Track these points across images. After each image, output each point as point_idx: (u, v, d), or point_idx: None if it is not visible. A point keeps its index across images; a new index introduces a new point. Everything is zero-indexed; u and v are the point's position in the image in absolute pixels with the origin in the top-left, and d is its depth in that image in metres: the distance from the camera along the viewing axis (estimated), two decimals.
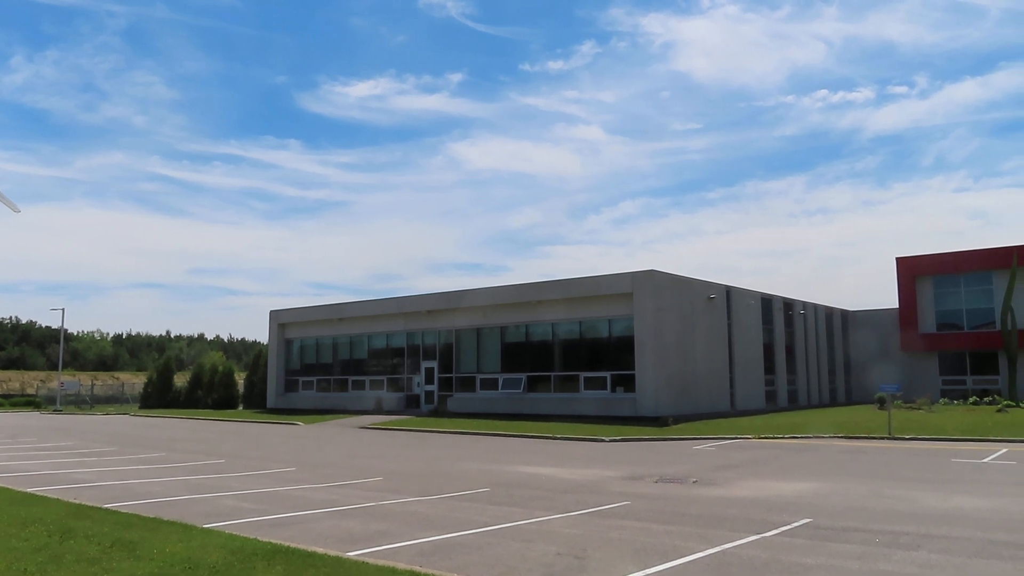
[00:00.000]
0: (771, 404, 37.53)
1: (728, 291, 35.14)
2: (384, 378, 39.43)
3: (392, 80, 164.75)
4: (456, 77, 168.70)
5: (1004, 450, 19.45)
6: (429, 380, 37.37)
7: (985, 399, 36.81)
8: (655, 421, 28.10)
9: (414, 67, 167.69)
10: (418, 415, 35.08)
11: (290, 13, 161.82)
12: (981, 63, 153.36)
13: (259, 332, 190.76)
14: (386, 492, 13.15)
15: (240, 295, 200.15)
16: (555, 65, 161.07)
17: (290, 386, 44.29)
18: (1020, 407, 33.51)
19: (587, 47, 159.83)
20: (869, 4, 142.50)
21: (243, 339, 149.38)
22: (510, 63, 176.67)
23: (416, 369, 38.04)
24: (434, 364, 37.30)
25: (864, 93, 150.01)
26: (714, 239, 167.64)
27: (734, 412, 33.39)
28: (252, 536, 8.83)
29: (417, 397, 37.65)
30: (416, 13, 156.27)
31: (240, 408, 48.60)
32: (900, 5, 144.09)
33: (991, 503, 11.59)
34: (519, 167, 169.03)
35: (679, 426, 27.09)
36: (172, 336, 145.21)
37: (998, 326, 39.81)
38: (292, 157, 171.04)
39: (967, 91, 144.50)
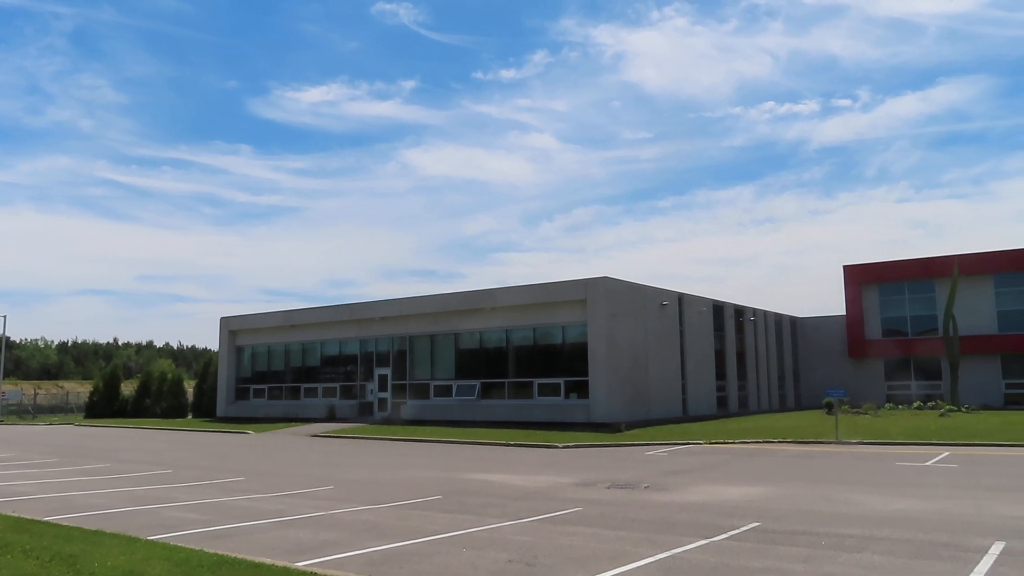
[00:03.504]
0: (722, 409, 38.02)
1: (680, 298, 35.54)
2: (337, 385, 39.01)
3: (344, 86, 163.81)
4: (409, 84, 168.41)
5: (946, 453, 19.98)
6: (383, 387, 37.07)
7: (928, 404, 37.80)
8: (608, 427, 28.26)
9: (367, 73, 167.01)
10: (371, 423, 34.75)
11: (240, 18, 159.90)
12: (920, 78, 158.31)
13: (209, 339, 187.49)
14: (336, 501, 13.00)
15: (189, 302, 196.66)
16: (507, 74, 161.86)
17: (241, 394, 43.54)
18: (962, 411, 34.46)
19: (539, 56, 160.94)
20: (812, 19, 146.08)
21: (193, 347, 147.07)
22: (463, 71, 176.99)
23: (369, 376, 37.71)
24: (387, 371, 37.01)
25: (809, 105, 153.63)
26: (665, 246, 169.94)
27: (686, 418, 33.74)
28: (198, 548, 8.66)
29: (370, 404, 37.31)
30: (368, 20, 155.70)
31: (189, 417, 47.60)
32: (842, 22, 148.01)
33: (933, 505, 11.90)
34: (472, 174, 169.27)
35: (632, 432, 27.28)
36: (119, 344, 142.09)
37: (940, 333, 40.88)
38: (243, 162, 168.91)
39: (908, 105, 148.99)
